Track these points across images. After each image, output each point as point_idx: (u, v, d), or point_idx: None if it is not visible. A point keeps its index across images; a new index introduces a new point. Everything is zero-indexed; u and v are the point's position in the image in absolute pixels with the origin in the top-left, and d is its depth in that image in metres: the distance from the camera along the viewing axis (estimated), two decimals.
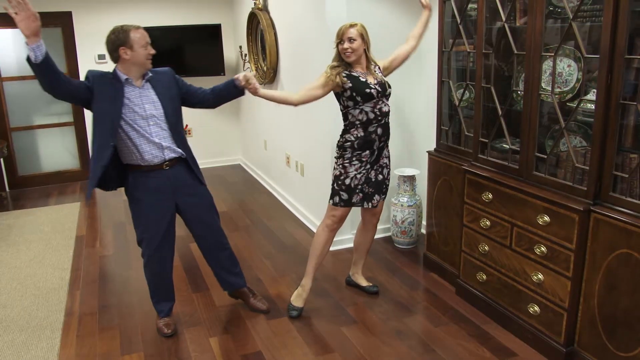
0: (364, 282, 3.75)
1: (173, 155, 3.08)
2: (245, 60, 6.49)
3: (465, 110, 3.60)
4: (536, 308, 2.93)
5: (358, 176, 3.28)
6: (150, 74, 3.02)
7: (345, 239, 4.47)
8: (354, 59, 3.17)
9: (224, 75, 6.97)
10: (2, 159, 6.47)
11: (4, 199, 6.35)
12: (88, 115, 6.63)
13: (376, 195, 3.40)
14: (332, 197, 3.35)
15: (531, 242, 2.91)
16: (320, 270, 4.03)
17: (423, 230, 4.43)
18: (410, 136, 4.57)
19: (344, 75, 3.16)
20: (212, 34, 6.87)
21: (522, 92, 2.95)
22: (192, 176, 3.20)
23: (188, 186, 3.18)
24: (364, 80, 3.16)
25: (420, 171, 4.35)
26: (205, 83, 3.79)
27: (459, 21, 3.41)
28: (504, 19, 3.02)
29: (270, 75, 5.59)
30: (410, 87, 4.47)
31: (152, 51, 2.96)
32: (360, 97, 3.14)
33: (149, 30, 3.01)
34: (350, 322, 3.34)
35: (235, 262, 3.49)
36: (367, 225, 3.61)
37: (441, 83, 3.68)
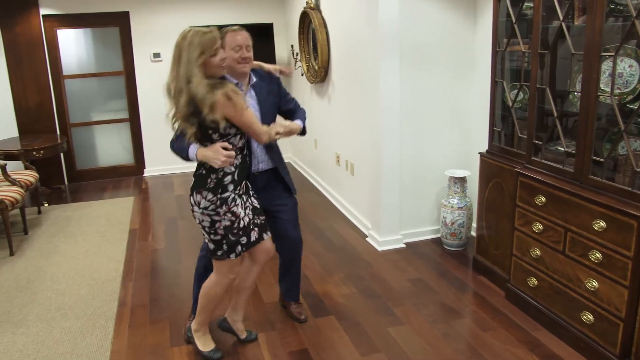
0: (243, 334, 3.19)
1: (265, 166, 3.06)
2: (296, 59, 6.54)
3: (519, 112, 3.52)
4: (590, 316, 2.84)
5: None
6: (255, 79, 3.01)
7: (394, 239, 4.46)
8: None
9: None
10: (62, 154, 6.74)
11: (63, 192, 6.63)
12: (143, 112, 6.96)
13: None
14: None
15: (586, 248, 2.82)
16: (368, 270, 4.04)
17: (473, 233, 4.36)
18: (462, 137, 4.50)
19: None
20: (264, 33, 6.95)
21: (579, 94, 2.87)
22: (281, 186, 3.16)
23: (275, 197, 3.13)
24: None
25: (471, 173, 4.28)
26: None
27: (513, 20, 3.34)
28: (561, 17, 2.94)
29: (321, 75, 5.61)
30: (463, 88, 4.41)
31: (235, 55, 2.84)
32: None
33: None
34: (397, 323, 3.32)
35: (298, 278, 3.44)
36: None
37: (495, 83, 3.61)
